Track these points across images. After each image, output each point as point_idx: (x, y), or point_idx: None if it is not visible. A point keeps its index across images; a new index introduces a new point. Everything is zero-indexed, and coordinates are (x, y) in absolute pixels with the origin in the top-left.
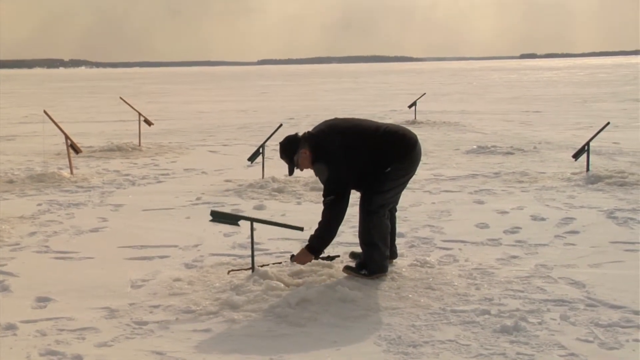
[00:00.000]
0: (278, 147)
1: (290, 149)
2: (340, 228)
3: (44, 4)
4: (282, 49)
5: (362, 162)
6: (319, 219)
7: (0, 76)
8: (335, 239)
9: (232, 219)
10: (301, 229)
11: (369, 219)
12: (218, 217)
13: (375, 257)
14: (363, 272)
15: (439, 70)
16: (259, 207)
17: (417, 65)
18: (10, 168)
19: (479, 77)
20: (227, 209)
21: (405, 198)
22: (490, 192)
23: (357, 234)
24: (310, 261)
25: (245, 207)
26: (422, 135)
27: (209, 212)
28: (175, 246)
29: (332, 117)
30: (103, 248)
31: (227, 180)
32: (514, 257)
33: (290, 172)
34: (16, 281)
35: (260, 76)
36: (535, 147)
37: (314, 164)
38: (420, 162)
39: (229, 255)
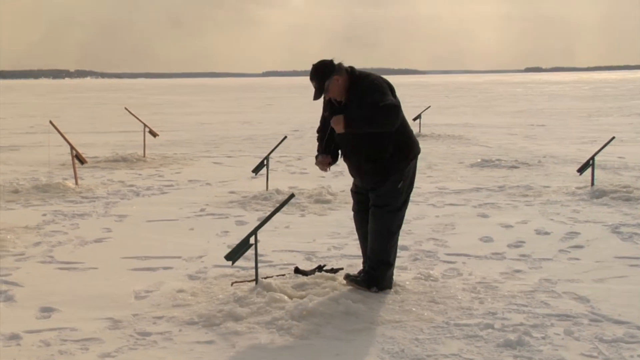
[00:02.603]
0: (310, 69)
1: (324, 72)
2: (345, 240)
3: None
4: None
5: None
6: (322, 230)
7: (6, 86)
8: (339, 251)
9: (244, 246)
10: (292, 195)
11: (390, 238)
12: (234, 256)
13: (389, 275)
14: (374, 290)
15: (444, 83)
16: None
17: (423, 78)
18: (15, 178)
19: (484, 90)
20: (231, 221)
21: (409, 211)
22: (494, 205)
23: (359, 245)
24: (340, 128)
25: (250, 219)
26: (427, 149)
27: (225, 256)
28: (179, 257)
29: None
30: (107, 259)
31: (231, 192)
32: (518, 271)
33: (316, 97)
34: (20, 291)
35: (265, 88)
36: (539, 161)
37: (363, 92)
38: (424, 175)
39: (232, 267)
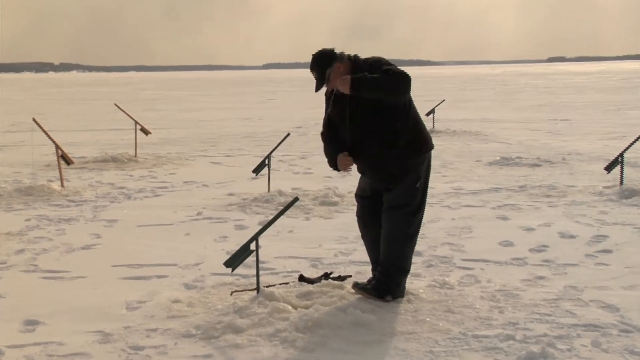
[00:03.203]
0: (310, 60)
1: (325, 60)
2: (353, 245)
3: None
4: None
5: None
6: (329, 235)
7: None
8: (347, 257)
9: (244, 253)
10: (296, 198)
11: (408, 242)
12: (234, 262)
13: (403, 283)
14: (388, 299)
15: (459, 75)
16: (265, 223)
17: (436, 69)
18: None
19: (503, 82)
20: (230, 225)
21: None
22: (514, 207)
23: (366, 251)
24: (345, 88)
25: (250, 223)
26: (441, 146)
27: (224, 263)
28: (174, 265)
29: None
30: (96, 267)
31: (230, 194)
32: (541, 277)
33: (318, 88)
34: (2, 303)
35: (266, 81)
36: (564, 159)
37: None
38: (439, 175)
39: (232, 275)
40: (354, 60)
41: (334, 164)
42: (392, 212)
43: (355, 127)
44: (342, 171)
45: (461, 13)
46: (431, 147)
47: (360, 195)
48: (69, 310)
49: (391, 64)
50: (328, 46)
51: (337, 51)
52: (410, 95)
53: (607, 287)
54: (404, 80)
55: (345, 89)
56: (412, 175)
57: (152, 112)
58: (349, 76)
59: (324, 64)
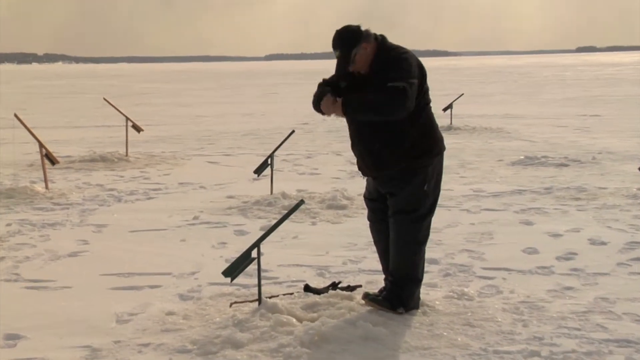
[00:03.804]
0: (333, 37)
1: (351, 38)
2: (363, 252)
3: None
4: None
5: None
6: (337, 241)
7: None
8: (357, 266)
9: (244, 261)
10: (302, 201)
11: (418, 250)
12: (234, 271)
13: (417, 293)
14: (400, 311)
15: (479, 66)
16: (267, 228)
17: (453, 60)
18: None
19: (527, 74)
20: (229, 230)
21: (439, 218)
22: (540, 211)
23: (378, 259)
24: (333, 111)
25: (251, 228)
26: (460, 144)
27: (223, 272)
28: (169, 274)
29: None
30: (83, 276)
31: (229, 197)
32: (569, 288)
33: (340, 69)
34: None
35: (269, 74)
36: (594, 158)
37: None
38: (457, 176)
39: (231, 284)
40: (380, 42)
41: (317, 103)
42: (398, 217)
43: (359, 119)
44: (324, 115)
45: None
46: (442, 149)
47: (368, 198)
48: (54, 324)
49: (406, 71)
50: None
51: (363, 28)
52: (427, 93)
53: None
54: (397, 99)
55: (338, 113)
56: (418, 178)
57: (145, 107)
58: (338, 101)
59: (350, 42)
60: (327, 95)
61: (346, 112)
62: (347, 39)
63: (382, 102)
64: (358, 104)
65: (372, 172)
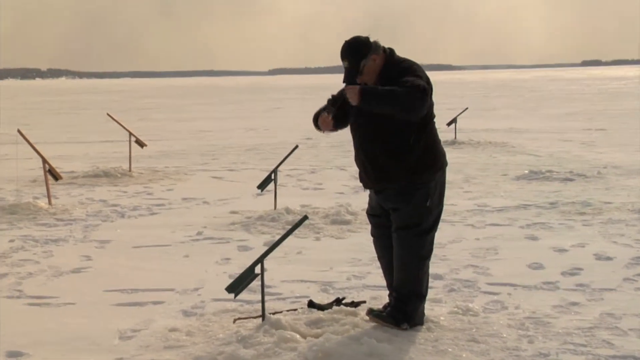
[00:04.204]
0: (342, 47)
1: (361, 50)
2: (367, 268)
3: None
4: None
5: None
6: (341, 257)
7: None
8: (361, 281)
9: (248, 277)
10: (305, 217)
11: (421, 265)
12: (237, 287)
13: (421, 309)
14: (405, 327)
15: (483, 80)
16: (271, 244)
17: (457, 74)
18: None
19: (532, 88)
20: (232, 246)
21: (444, 233)
22: (545, 226)
23: (383, 275)
24: (355, 100)
25: (255, 244)
26: (464, 158)
27: (227, 288)
28: (172, 290)
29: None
30: (86, 292)
31: (233, 212)
32: (575, 304)
33: (348, 80)
34: None
35: (272, 88)
36: (599, 172)
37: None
38: (461, 190)
39: (234, 300)
40: (388, 54)
41: (315, 120)
42: (401, 233)
43: (363, 130)
44: (322, 131)
45: (484, 13)
46: (444, 164)
47: (371, 214)
48: (57, 341)
49: (420, 75)
50: (340, 49)
51: (372, 39)
52: (433, 108)
53: None
54: (418, 97)
55: (353, 99)
56: (421, 193)
57: (148, 122)
58: (358, 86)
59: (359, 53)
60: (323, 113)
61: (363, 99)
62: (357, 50)
63: (403, 96)
64: (377, 93)
65: (373, 185)
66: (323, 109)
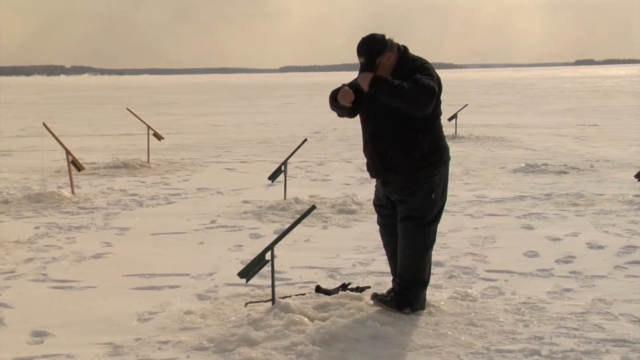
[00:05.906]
0: (358, 44)
1: (377, 47)
2: (372, 255)
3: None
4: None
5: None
6: (347, 244)
7: None
8: (365, 268)
9: (259, 263)
10: (313, 207)
11: (425, 254)
12: (248, 273)
13: (423, 295)
14: (407, 311)
15: (483, 78)
16: (281, 232)
17: (458, 73)
18: (5, 187)
19: (529, 86)
20: (244, 234)
21: (444, 223)
22: (540, 216)
23: (387, 260)
24: (365, 85)
25: (265, 232)
26: (464, 152)
27: (239, 273)
28: (187, 275)
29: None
30: (107, 276)
31: (245, 202)
32: (568, 290)
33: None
34: (10, 313)
35: (283, 85)
36: (592, 166)
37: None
38: (461, 182)
39: (246, 285)
40: (402, 52)
41: (334, 100)
42: (407, 223)
43: (373, 124)
44: (340, 110)
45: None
46: (448, 158)
47: (377, 205)
48: (79, 322)
49: (432, 74)
50: (348, 49)
51: (387, 37)
52: (440, 105)
53: (637, 301)
54: (426, 95)
55: (364, 85)
56: (426, 187)
57: (166, 117)
58: (370, 74)
59: (376, 50)
60: (344, 87)
61: (373, 86)
62: (373, 47)
63: (413, 92)
64: (387, 84)
65: (381, 175)
66: (339, 88)
